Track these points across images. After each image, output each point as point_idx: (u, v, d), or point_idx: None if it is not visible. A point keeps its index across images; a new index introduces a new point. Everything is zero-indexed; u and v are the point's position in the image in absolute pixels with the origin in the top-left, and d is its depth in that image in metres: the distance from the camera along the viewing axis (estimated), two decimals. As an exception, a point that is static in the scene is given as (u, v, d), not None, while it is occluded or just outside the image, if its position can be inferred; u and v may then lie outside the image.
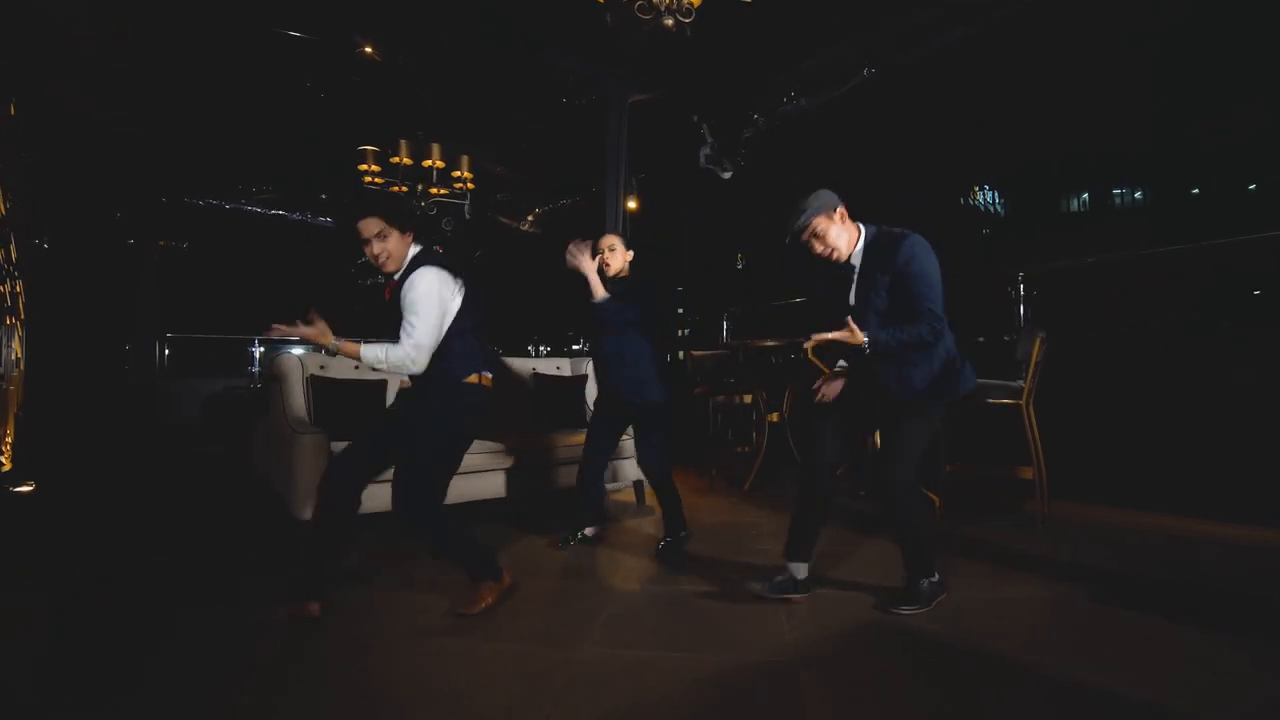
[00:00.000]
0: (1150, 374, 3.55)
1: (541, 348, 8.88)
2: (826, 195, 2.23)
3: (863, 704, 1.63)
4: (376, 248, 2.20)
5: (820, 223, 2.20)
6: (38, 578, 2.54)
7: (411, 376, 2.26)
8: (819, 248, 2.22)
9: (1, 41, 2.89)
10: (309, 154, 7.15)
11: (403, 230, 2.23)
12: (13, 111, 3.04)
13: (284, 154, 7.17)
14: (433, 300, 2.15)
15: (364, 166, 5.89)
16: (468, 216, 7.90)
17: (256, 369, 8.00)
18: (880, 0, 4.15)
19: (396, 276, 2.25)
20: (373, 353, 2.15)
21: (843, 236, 2.22)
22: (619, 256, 2.88)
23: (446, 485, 2.30)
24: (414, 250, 2.28)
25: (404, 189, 6.23)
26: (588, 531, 3.12)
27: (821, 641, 1.98)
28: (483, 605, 2.20)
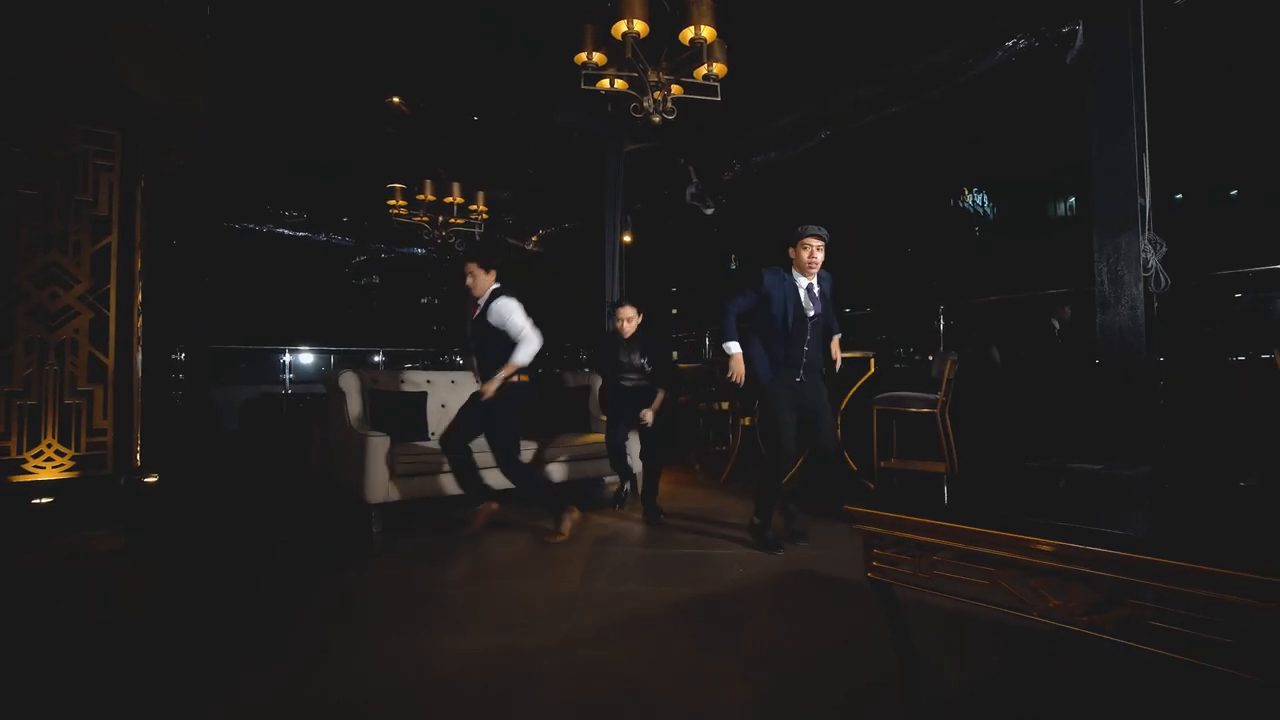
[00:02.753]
0: (1038, 387, 4.42)
1: (545, 355, 9.70)
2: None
3: (779, 615, 2.49)
4: (469, 280, 3.48)
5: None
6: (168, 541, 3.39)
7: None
8: (819, 256, 3.09)
9: (138, 134, 3.73)
10: (340, 186, 8.01)
11: (486, 269, 3.49)
12: (143, 184, 3.89)
13: (317, 187, 8.02)
14: (521, 312, 3.41)
15: (392, 201, 6.73)
16: (478, 239, 8.74)
17: (288, 376, 8.83)
18: (831, 78, 5.04)
19: (480, 301, 3.49)
20: (520, 358, 3.37)
21: None
22: (634, 323, 4.12)
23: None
24: (494, 285, 3.51)
25: (425, 219, 7.09)
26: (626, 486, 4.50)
27: (759, 581, 2.84)
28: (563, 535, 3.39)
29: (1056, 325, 4.33)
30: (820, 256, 3.06)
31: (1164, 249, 2.64)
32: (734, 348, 3.15)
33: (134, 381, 3.65)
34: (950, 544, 1.08)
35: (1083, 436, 3.32)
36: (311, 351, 10.09)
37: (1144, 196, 2.63)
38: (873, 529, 1.21)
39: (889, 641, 1.39)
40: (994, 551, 1.02)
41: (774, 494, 3.27)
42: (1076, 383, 3.72)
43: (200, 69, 4.14)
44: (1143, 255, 2.63)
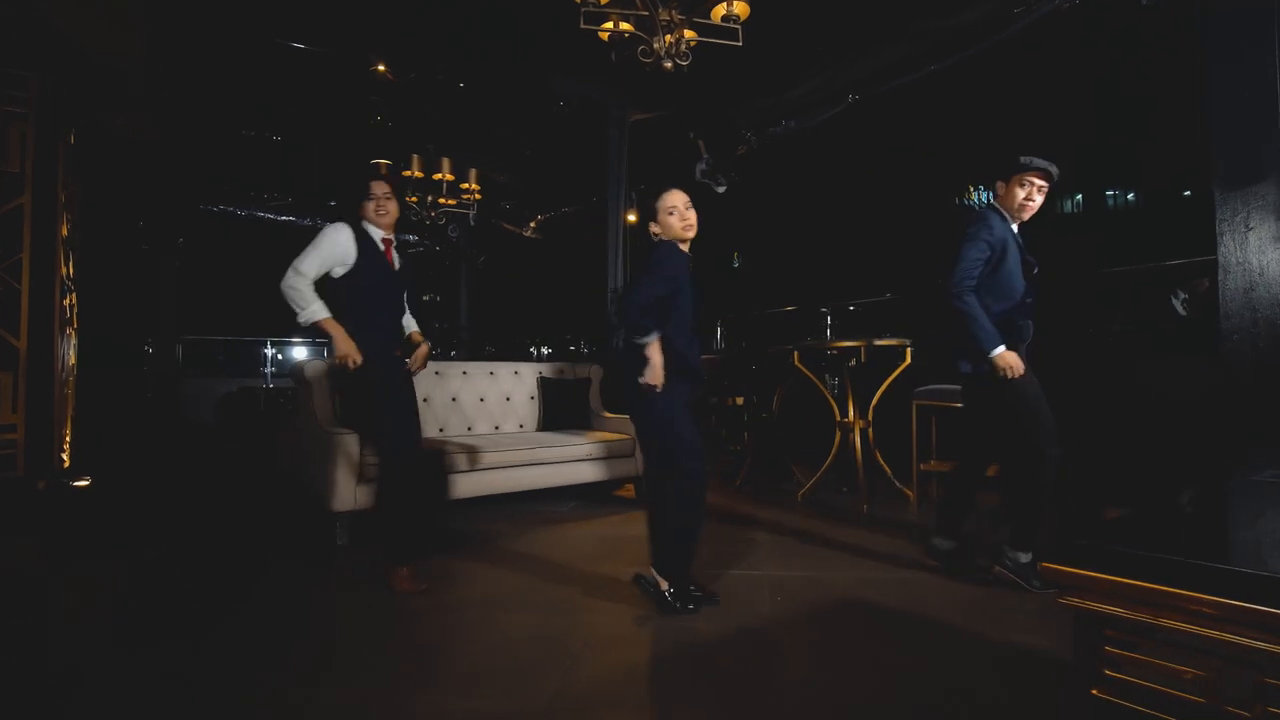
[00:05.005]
0: (1105, 382, 3.88)
1: (543, 349, 9.20)
2: None
3: (816, 654, 1.96)
4: (391, 204, 2.63)
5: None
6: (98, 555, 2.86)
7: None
8: (1038, 200, 2.43)
9: (64, 80, 3.20)
10: (323, 164, 7.48)
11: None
12: (72, 140, 3.36)
13: (298, 165, 7.49)
14: None
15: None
16: (472, 224, 8.21)
17: (269, 369, 8.33)
18: (858, 38, 4.50)
19: (392, 238, 2.71)
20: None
21: None
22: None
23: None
24: None
25: (414, 199, 6.56)
26: None
27: (795, 614, 2.31)
28: None
29: (1182, 299, 3.59)
30: (1039, 200, 2.41)
31: (1309, 200, 2.10)
32: (1001, 349, 2.33)
33: (57, 370, 3.12)
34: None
35: (1182, 434, 2.80)
36: (303, 344, 9.58)
37: (1285, 133, 2.10)
38: (1106, 609, 0.66)
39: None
40: None
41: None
42: (1190, 371, 3.13)
43: (136, 26, 3.61)
44: (1285, 207, 2.09)
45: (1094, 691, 0.70)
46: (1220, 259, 2.24)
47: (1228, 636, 0.60)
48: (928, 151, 7.02)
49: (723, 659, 1.97)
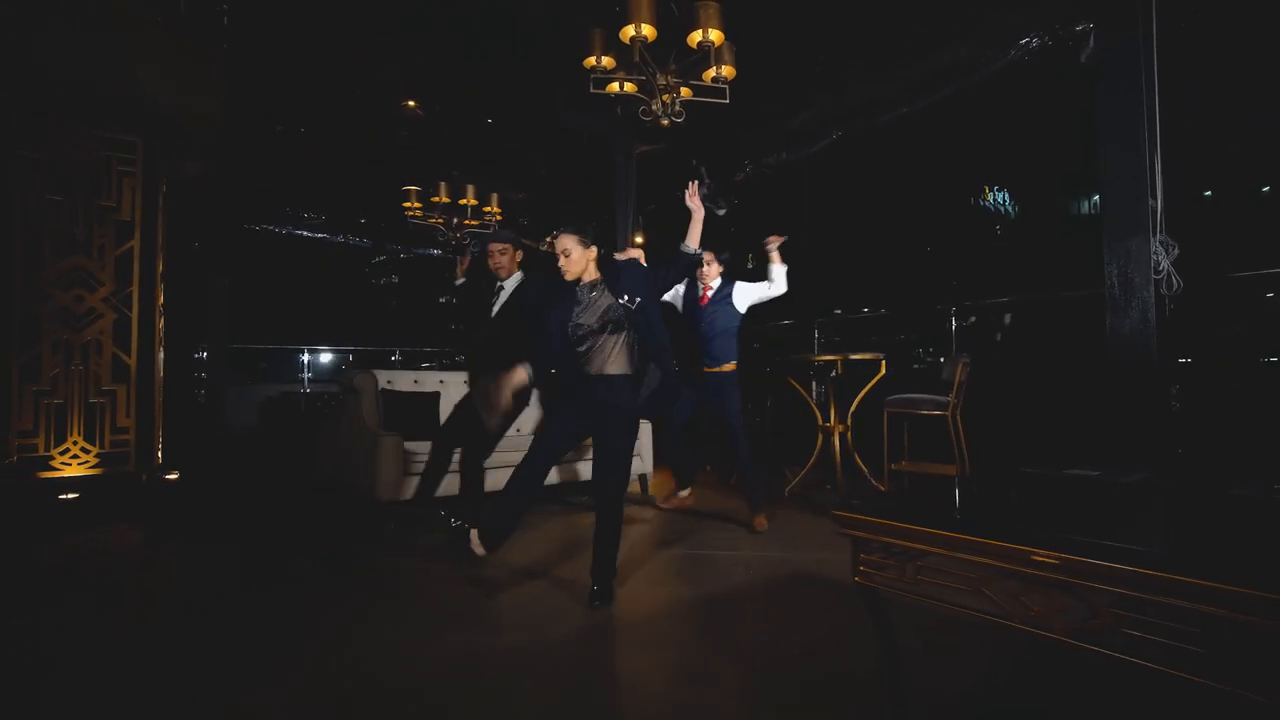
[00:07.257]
0: (1052, 391, 4.37)
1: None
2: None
3: (777, 616, 2.50)
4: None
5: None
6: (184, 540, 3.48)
7: None
8: (499, 260, 3.51)
9: (158, 140, 3.83)
10: (358, 188, 8.16)
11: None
12: (164, 189, 3.99)
13: (334, 189, 8.18)
14: None
15: (407, 204, 6.82)
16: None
17: (307, 375, 9.00)
18: (846, 76, 5.03)
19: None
20: None
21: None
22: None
23: None
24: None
25: (440, 221, 7.17)
26: None
27: (763, 584, 2.85)
28: None
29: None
30: (501, 260, 3.48)
31: (1176, 251, 2.60)
32: None
33: (155, 381, 3.75)
34: (932, 549, 1.09)
35: (1097, 441, 3.28)
36: (330, 351, 10.25)
37: (1155, 198, 2.60)
38: (859, 534, 1.22)
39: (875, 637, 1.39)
40: (975, 558, 1.03)
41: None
42: (1091, 387, 3.65)
43: (215, 73, 4.23)
44: (1154, 258, 2.60)
45: (855, 579, 1.25)
46: (1107, 298, 2.75)
47: (903, 543, 1.14)
48: (919, 176, 7.49)
49: (702, 613, 2.52)
